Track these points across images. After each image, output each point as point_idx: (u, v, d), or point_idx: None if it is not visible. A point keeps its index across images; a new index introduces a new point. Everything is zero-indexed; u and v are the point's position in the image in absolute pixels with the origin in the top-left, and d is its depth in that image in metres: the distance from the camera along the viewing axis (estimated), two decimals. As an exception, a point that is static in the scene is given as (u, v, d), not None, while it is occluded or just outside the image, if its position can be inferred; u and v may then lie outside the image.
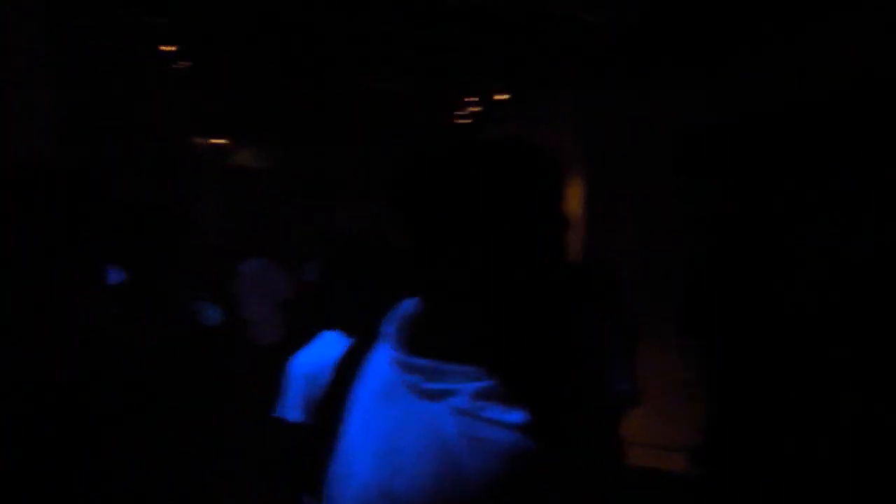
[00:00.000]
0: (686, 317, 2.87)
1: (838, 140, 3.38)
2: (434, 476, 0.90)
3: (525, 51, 5.15)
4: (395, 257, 2.30)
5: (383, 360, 1.04)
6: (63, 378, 1.18)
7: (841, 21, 3.38)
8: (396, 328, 1.06)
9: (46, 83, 4.03)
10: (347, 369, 2.25)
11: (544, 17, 4.44)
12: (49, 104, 4.11)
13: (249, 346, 4.72)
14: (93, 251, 1.19)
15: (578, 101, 5.57)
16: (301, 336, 2.44)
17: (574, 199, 5.29)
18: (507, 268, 0.98)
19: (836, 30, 3.42)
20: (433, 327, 1.02)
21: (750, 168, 3.89)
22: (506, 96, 6.16)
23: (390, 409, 0.99)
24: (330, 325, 2.36)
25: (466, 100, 6.44)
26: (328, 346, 2.27)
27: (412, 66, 5.87)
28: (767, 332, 2.55)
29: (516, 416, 0.92)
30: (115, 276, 1.85)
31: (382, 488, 0.93)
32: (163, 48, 5.80)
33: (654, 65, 4.66)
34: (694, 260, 2.96)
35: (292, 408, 2.25)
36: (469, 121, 6.74)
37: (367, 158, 7.94)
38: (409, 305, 1.08)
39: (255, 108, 7.21)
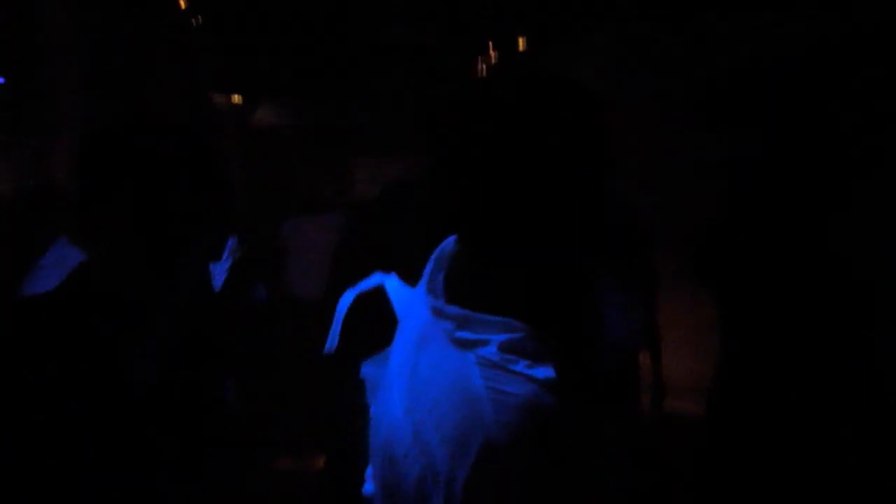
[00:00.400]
0: (696, 259, 2.85)
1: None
2: (456, 425, 0.91)
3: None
4: (435, 201, 2.32)
5: (421, 303, 1.05)
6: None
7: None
8: (432, 272, 1.06)
9: (72, 44, 4.03)
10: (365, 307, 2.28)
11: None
12: (73, 63, 4.11)
13: (295, 305, 4.79)
14: (212, 215, 1.16)
15: (597, 50, 5.50)
16: (345, 283, 2.50)
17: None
18: (544, 215, 0.97)
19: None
20: (468, 275, 1.02)
21: (783, 111, 3.85)
22: (523, 43, 6.09)
23: (425, 351, 1.00)
24: (379, 268, 2.42)
25: (484, 48, 6.37)
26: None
27: (430, 17, 5.79)
28: (792, 282, 2.52)
29: (543, 371, 0.92)
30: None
31: (413, 428, 0.95)
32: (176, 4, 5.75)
33: (674, 7, 4.59)
34: (716, 202, 2.93)
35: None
36: (487, 69, 6.66)
37: (387, 111, 7.89)
38: (446, 247, 1.08)
39: (273, 65, 7.15)
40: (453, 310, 0.99)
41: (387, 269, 2.37)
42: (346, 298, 2.41)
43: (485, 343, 0.95)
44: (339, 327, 2.37)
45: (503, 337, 0.95)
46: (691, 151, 4.69)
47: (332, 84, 7.58)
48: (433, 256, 1.07)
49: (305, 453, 3.92)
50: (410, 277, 2.26)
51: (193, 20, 6.16)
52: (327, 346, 2.39)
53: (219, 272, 3.20)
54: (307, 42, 6.56)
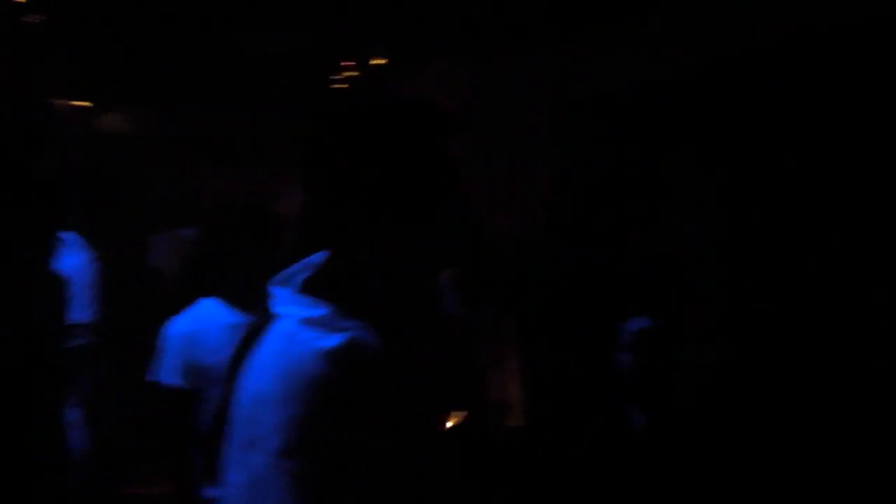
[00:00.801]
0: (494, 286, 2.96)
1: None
2: (253, 393, 0.98)
3: (403, 15, 5.13)
4: (275, 224, 2.32)
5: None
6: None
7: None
8: (290, 274, 1.11)
9: None
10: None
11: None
12: None
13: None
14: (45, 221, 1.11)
15: (456, 68, 5.60)
16: (178, 304, 2.46)
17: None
18: (393, 223, 1.05)
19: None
20: (313, 270, 1.10)
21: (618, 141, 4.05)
22: (384, 61, 6.12)
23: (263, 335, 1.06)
24: (208, 293, 2.38)
25: (343, 64, 6.36)
26: (206, 312, 2.31)
27: (287, 27, 5.72)
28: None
29: (330, 340, 0.97)
30: None
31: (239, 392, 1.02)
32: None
33: (534, 32, 4.74)
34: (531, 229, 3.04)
35: (169, 371, 2.28)
36: (346, 86, 6.65)
37: (240, 122, 7.72)
38: (311, 260, 1.13)
39: (121, 69, 6.83)
40: (279, 290, 1.07)
41: (220, 294, 2.32)
42: (173, 324, 2.35)
43: (286, 316, 1.03)
44: (168, 354, 2.30)
45: (302, 312, 1.01)
46: (539, 178, 4.85)
47: (187, 93, 7.35)
48: (295, 265, 1.13)
49: (156, 480, 3.80)
50: (241, 303, 2.22)
51: (35, 18, 5.80)
52: (152, 373, 2.32)
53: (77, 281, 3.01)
54: (162, 49, 6.33)
